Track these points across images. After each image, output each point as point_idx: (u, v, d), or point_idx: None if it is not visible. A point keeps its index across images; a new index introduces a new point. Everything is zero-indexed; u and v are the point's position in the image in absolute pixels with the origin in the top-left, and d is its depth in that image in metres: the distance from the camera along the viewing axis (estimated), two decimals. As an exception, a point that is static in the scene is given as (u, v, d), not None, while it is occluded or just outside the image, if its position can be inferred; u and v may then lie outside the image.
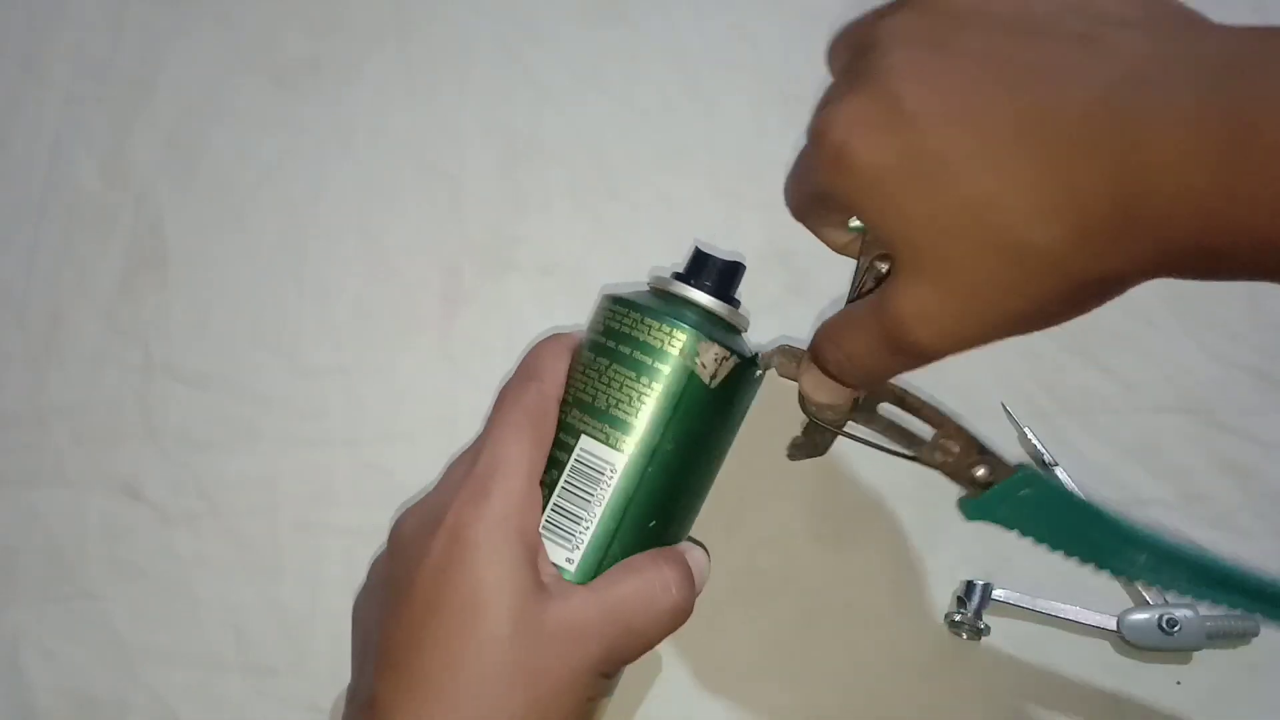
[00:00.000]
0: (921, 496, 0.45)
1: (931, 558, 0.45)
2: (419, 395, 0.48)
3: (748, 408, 0.37)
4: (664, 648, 0.44)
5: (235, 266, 0.50)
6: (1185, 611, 0.42)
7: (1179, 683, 0.43)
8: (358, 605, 0.37)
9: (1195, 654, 0.43)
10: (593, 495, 0.34)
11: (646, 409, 0.34)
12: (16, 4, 0.54)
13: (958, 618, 0.42)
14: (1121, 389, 0.46)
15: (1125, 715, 0.42)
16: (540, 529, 0.34)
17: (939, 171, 0.25)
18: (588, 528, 0.34)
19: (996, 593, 0.43)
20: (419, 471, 0.45)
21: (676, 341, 0.34)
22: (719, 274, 0.36)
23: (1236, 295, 0.46)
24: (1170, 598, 0.42)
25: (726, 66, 0.51)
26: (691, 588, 0.34)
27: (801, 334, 0.48)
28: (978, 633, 0.42)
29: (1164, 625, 0.41)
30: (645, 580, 0.33)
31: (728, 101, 0.50)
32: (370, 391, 0.48)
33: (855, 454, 0.46)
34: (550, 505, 0.34)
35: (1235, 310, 0.46)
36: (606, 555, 0.34)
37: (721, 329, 0.36)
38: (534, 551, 0.33)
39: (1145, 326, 0.47)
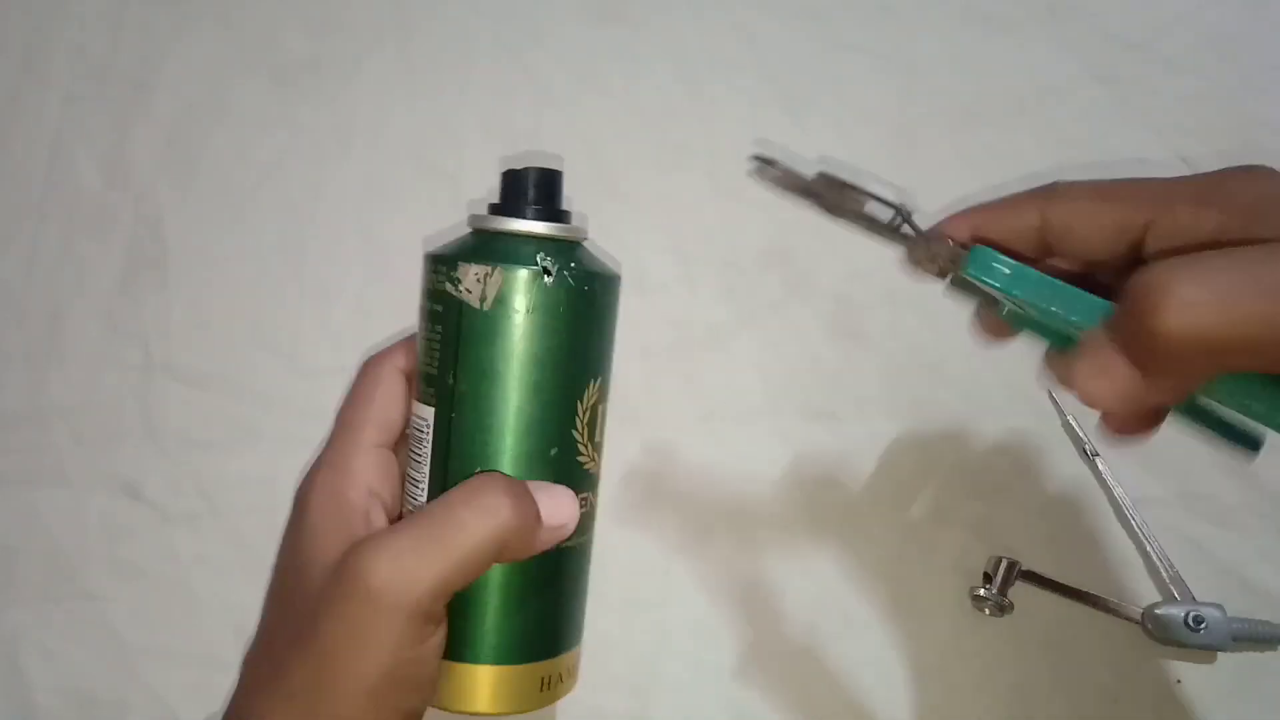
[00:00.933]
0: (922, 496, 0.45)
1: (931, 556, 0.45)
2: (419, 395, 0.48)
3: (568, 319, 0.32)
4: (664, 648, 0.44)
5: (235, 266, 0.50)
6: (1213, 611, 0.41)
7: (1179, 681, 0.43)
8: None
9: (1219, 655, 0.43)
10: (420, 455, 0.34)
11: (437, 354, 0.33)
12: (16, 4, 0.54)
13: (982, 592, 0.42)
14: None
15: (1141, 706, 0.42)
16: (403, 500, 0.35)
17: None
18: (422, 487, 0.34)
19: (1022, 568, 0.43)
20: (419, 471, 0.45)
21: (442, 276, 0.32)
22: (532, 190, 0.34)
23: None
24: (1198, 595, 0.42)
25: (726, 66, 0.51)
26: (517, 492, 0.31)
27: (802, 334, 0.48)
28: (1000, 609, 0.42)
29: (1190, 622, 0.41)
30: (459, 491, 0.31)
31: (728, 101, 0.50)
32: (370, 391, 0.48)
33: (855, 453, 0.46)
34: (405, 476, 0.35)
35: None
36: None
37: (526, 245, 0.32)
38: (356, 509, 0.33)
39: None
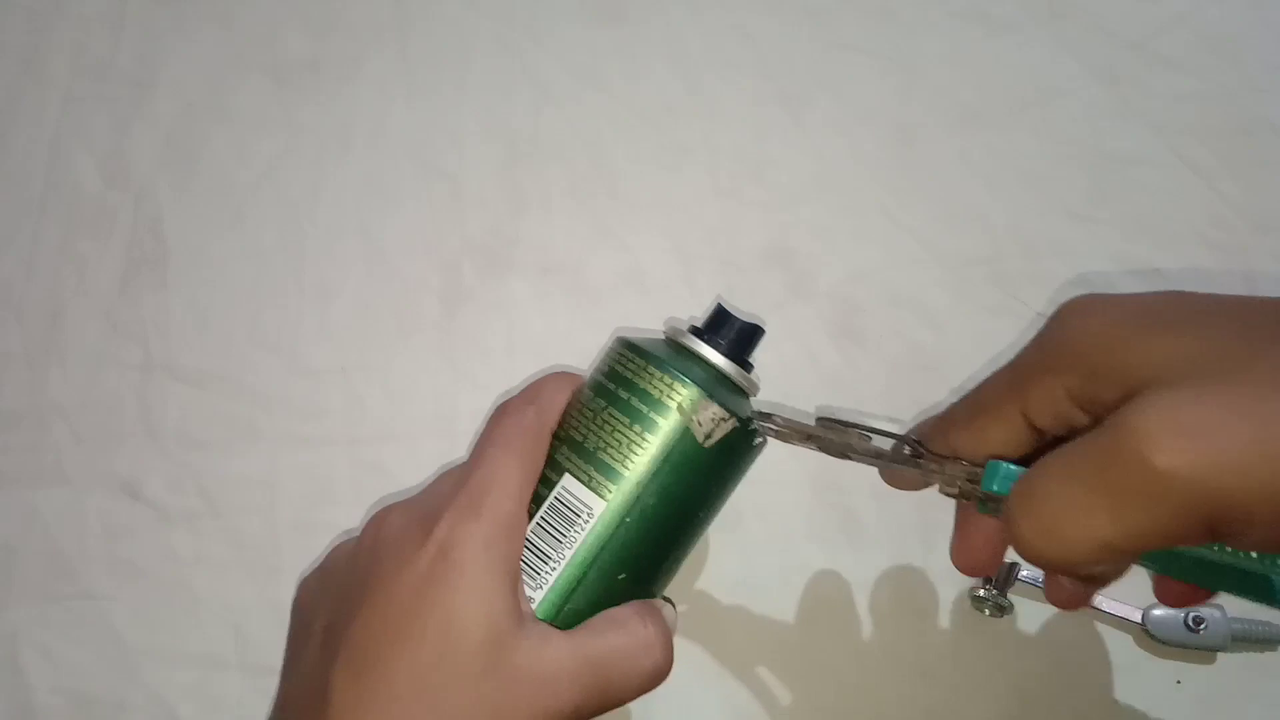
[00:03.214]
0: (921, 496, 0.45)
1: (931, 556, 0.45)
2: (418, 395, 0.48)
3: (741, 476, 0.36)
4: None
5: (235, 266, 0.50)
6: (1213, 611, 0.41)
7: (1179, 682, 0.43)
8: (307, 585, 0.36)
9: (1219, 655, 0.42)
10: (566, 536, 0.33)
11: (635, 458, 0.33)
12: (16, 4, 0.54)
13: (981, 593, 0.42)
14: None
15: (1141, 707, 0.42)
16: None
17: None
18: (555, 569, 0.33)
19: (1024, 573, 0.42)
20: (418, 471, 0.45)
21: (677, 395, 0.33)
22: (736, 334, 0.35)
23: (1234, 291, 0.46)
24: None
25: (726, 66, 0.51)
26: (672, 649, 0.33)
27: (802, 334, 0.48)
28: (1000, 610, 0.42)
29: (1190, 623, 0.41)
30: (630, 636, 0.32)
31: (728, 101, 0.50)
32: (370, 391, 0.48)
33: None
34: (523, 539, 0.33)
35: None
36: (569, 602, 0.33)
37: (728, 390, 0.34)
38: (516, 579, 0.32)
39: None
